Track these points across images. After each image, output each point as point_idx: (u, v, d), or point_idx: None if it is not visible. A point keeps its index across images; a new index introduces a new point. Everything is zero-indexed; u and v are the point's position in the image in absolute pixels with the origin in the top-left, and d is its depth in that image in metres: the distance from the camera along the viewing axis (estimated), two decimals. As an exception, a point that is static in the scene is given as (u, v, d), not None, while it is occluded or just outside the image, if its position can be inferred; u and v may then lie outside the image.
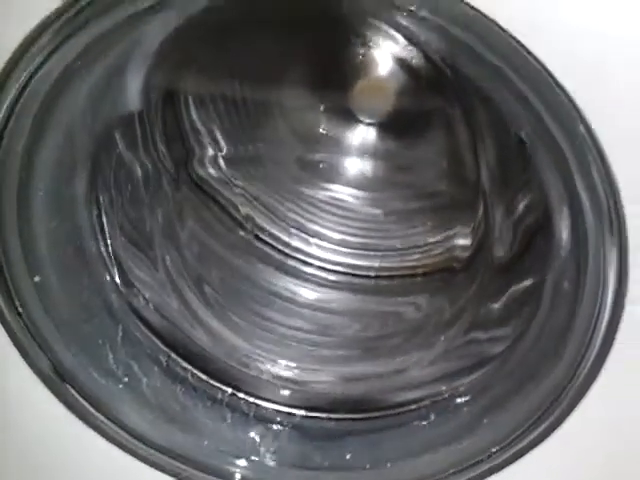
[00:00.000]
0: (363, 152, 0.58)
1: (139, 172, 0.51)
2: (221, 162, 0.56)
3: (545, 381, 0.39)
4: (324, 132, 0.56)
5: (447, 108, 0.51)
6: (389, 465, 0.46)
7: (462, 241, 0.55)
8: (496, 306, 0.48)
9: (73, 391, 0.44)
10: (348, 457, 0.47)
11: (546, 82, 0.32)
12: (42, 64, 0.36)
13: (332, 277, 0.58)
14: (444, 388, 0.46)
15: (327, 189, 0.59)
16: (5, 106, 0.37)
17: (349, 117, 0.55)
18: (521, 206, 0.46)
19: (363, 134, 0.57)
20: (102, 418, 0.45)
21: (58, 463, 0.47)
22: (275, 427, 0.48)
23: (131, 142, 0.50)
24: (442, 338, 0.51)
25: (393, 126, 0.54)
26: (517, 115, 0.34)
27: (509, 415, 0.41)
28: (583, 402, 0.37)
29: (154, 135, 0.52)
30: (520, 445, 0.39)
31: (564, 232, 0.37)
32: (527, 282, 0.44)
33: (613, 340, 0.35)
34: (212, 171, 0.56)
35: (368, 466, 0.46)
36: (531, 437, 0.39)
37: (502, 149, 0.46)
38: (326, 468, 0.47)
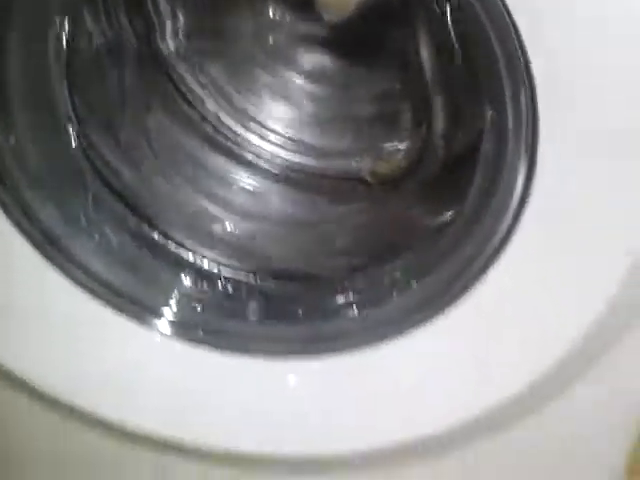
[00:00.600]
0: (320, 46, 0.61)
1: (104, 45, 0.54)
2: (180, 37, 0.59)
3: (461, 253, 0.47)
4: (281, 18, 0.60)
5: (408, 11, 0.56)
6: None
7: (401, 153, 0.60)
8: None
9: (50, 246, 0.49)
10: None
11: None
12: None
13: (275, 170, 0.63)
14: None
15: (282, 76, 0.63)
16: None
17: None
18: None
19: (322, 28, 0.59)
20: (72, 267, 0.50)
21: (24, 303, 0.51)
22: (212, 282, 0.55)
23: (95, 15, 0.53)
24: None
25: (353, 24, 0.57)
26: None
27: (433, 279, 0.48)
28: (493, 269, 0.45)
29: (117, 9, 0.55)
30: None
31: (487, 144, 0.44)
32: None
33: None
34: (171, 46, 0.59)
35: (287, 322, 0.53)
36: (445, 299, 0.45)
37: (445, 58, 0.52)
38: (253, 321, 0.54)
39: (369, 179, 0.61)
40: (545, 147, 0.39)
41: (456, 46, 0.48)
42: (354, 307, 0.52)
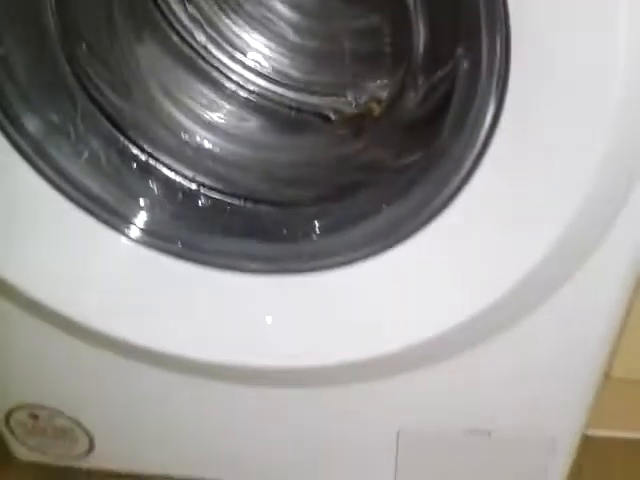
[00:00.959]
0: None
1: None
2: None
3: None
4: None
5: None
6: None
7: (380, 92, 0.62)
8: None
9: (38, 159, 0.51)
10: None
11: None
12: None
13: (254, 99, 0.64)
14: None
15: (267, 7, 0.64)
16: None
17: None
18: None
19: None
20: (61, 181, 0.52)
21: (8, 208, 0.53)
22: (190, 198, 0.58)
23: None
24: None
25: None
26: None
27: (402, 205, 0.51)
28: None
29: None
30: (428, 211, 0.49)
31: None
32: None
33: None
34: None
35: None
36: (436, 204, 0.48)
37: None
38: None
39: (345, 116, 0.63)
40: (515, 83, 0.42)
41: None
42: (325, 230, 0.55)
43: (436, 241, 0.49)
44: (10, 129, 0.50)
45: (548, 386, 0.60)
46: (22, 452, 0.75)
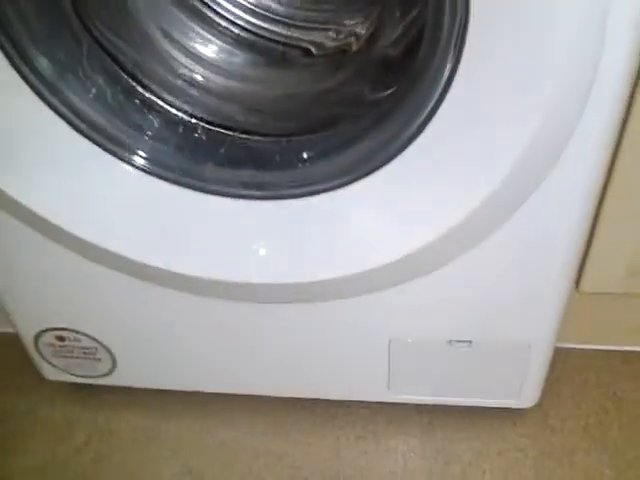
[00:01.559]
0: None
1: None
2: None
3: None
4: None
5: None
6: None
7: (359, 28, 0.67)
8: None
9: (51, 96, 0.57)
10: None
11: None
12: None
13: (244, 34, 0.69)
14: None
15: None
16: None
17: None
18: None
19: None
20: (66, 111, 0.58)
21: (25, 142, 0.59)
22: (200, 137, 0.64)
23: None
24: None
25: None
26: None
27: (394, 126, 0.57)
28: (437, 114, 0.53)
29: None
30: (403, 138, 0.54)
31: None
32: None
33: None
34: None
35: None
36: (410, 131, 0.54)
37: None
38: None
39: (326, 51, 0.68)
40: (472, 35, 0.47)
41: None
42: (312, 159, 0.61)
43: (410, 165, 0.54)
44: (24, 68, 0.56)
45: (520, 297, 0.66)
46: (51, 373, 0.84)
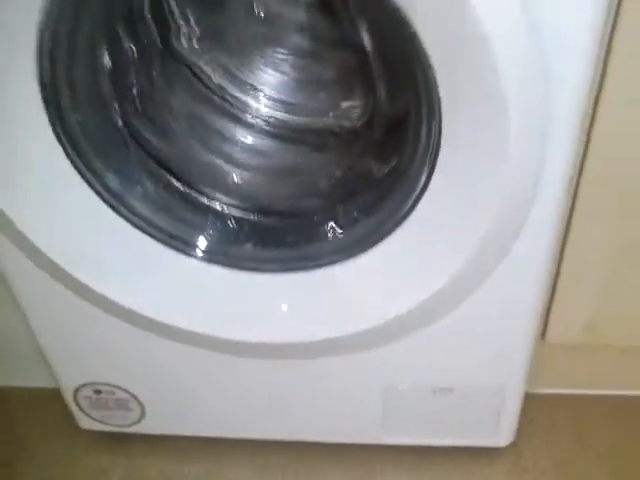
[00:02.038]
0: (298, 30, 0.80)
1: (136, 46, 0.74)
2: (193, 37, 0.79)
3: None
4: (270, 11, 0.80)
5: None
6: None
7: (357, 110, 0.81)
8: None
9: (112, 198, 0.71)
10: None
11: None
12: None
13: (268, 128, 0.83)
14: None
15: (271, 52, 0.82)
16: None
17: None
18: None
19: (299, 13, 0.78)
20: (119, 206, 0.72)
21: (96, 242, 0.72)
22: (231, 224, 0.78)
23: (130, 23, 0.73)
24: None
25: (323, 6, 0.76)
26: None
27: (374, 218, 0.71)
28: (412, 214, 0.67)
29: (145, 17, 0.74)
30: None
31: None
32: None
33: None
34: (185, 43, 0.78)
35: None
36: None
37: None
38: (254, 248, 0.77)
39: (337, 130, 0.82)
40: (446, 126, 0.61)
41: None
42: (330, 233, 0.75)
43: (401, 243, 0.68)
44: (93, 180, 0.70)
45: (494, 350, 0.79)
46: (87, 423, 0.95)
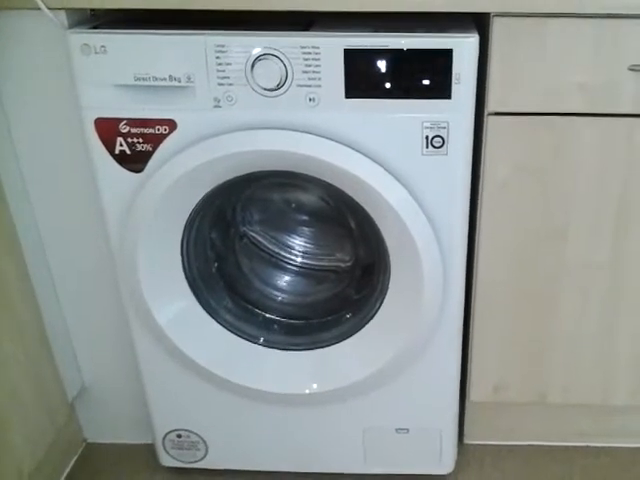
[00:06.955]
0: (316, 217, 1.36)
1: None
2: (254, 223, 1.35)
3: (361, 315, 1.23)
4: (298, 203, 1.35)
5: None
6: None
7: (347, 258, 1.36)
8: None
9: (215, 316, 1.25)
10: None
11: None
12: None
13: (295, 268, 1.38)
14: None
15: (297, 225, 1.38)
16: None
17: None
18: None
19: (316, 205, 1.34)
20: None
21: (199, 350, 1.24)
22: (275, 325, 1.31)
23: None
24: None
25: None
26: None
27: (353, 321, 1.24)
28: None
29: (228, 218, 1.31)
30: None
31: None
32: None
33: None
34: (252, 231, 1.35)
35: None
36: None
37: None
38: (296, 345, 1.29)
39: (335, 269, 1.37)
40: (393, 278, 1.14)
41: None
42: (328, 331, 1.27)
43: (361, 339, 1.20)
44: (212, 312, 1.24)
45: (433, 406, 1.28)
46: (167, 460, 1.41)
